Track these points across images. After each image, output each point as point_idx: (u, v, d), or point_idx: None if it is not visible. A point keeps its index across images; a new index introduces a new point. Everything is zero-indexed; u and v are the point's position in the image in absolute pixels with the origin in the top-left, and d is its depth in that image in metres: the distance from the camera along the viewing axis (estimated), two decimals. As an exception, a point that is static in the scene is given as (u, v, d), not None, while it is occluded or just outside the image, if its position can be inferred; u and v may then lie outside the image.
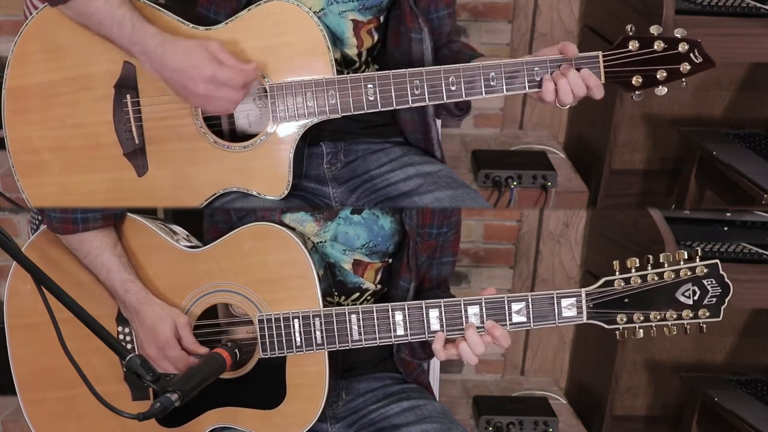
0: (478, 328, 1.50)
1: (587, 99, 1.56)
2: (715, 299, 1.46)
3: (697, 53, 1.52)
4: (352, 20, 1.63)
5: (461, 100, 1.56)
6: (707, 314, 1.47)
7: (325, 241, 1.61)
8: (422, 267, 1.68)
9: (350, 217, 1.62)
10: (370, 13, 1.65)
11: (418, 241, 1.64)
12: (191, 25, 1.56)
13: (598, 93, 1.53)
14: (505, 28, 2.83)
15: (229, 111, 1.55)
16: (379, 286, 1.66)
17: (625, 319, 1.48)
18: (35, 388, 1.62)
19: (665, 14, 2.32)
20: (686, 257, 1.46)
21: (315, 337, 1.52)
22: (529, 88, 1.55)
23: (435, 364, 2.24)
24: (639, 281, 1.46)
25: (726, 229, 2.46)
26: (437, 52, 1.71)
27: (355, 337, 1.52)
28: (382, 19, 1.68)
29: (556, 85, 1.52)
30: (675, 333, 1.47)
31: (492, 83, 1.55)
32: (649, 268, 1.47)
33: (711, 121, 2.84)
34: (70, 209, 1.54)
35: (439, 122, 2.28)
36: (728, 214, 2.49)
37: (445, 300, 1.51)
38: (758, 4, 2.41)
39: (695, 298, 1.46)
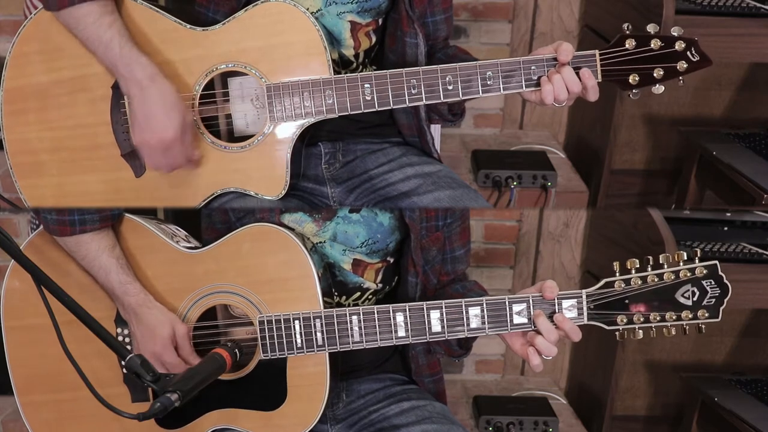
0: (524, 324, 1.49)
1: (586, 99, 1.56)
2: (714, 300, 1.47)
3: (693, 51, 1.52)
4: (350, 21, 1.63)
5: (458, 100, 1.56)
6: (706, 315, 1.47)
7: (324, 242, 1.61)
8: (435, 262, 1.67)
9: (349, 215, 1.61)
10: (369, 15, 1.65)
11: (424, 235, 1.64)
12: (188, 25, 1.56)
13: (594, 94, 1.53)
14: (505, 28, 2.83)
15: (171, 168, 1.56)
16: (380, 285, 1.66)
17: (625, 320, 1.47)
18: (33, 390, 1.61)
19: (665, 14, 2.32)
20: (685, 258, 1.46)
21: (316, 339, 1.51)
22: (526, 86, 1.55)
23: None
24: (639, 282, 1.46)
25: (726, 229, 2.46)
26: (432, 56, 1.71)
27: (356, 338, 1.52)
28: (380, 21, 1.68)
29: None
30: (674, 334, 1.48)
31: (489, 82, 1.55)
32: (649, 269, 1.47)
33: (711, 121, 2.84)
34: (67, 211, 1.54)
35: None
36: (728, 214, 2.49)
37: (446, 301, 1.50)
38: (758, 4, 2.41)
39: (694, 299, 1.47)
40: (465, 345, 1.64)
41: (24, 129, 1.62)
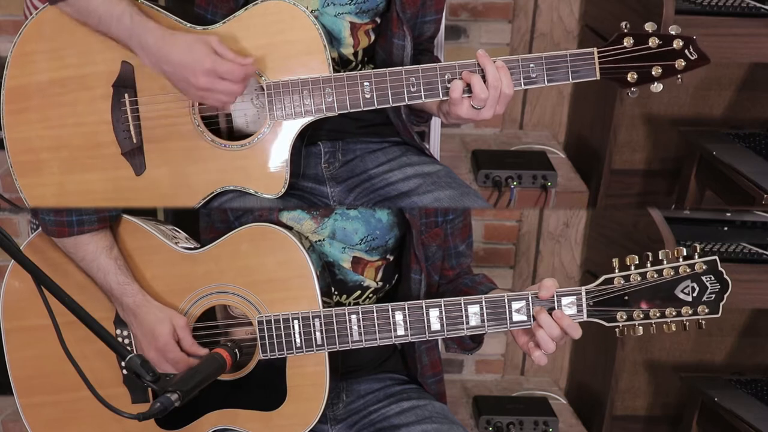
0: (524, 322, 1.49)
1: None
2: (714, 296, 1.46)
3: (692, 49, 1.53)
4: (349, 22, 1.63)
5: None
6: (706, 311, 1.47)
7: (323, 239, 1.61)
8: (435, 258, 1.67)
9: (346, 212, 1.61)
10: (367, 16, 1.65)
11: (424, 231, 1.64)
12: (188, 24, 1.56)
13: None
14: (505, 28, 2.83)
15: (227, 104, 1.56)
16: (380, 284, 1.66)
17: (624, 317, 1.47)
18: (33, 392, 1.61)
19: (665, 14, 2.32)
20: (685, 254, 1.46)
21: (315, 338, 1.51)
22: (524, 84, 1.55)
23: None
24: (638, 279, 1.46)
25: (726, 229, 2.46)
26: (419, 56, 1.70)
27: (356, 337, 1.52)
28: (378, 20, 1.68)
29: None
30: (674, 330, 1.47)
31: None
32: (649, 265, 1.46)
33: (711, 121, 2.84)
34: (65, 212, 1.54)
35: (438, 122, 2.28)
36: (728, 214, 2.49)
37: (445, 299, 1.50)
38: (758, 4, 2.41)
39: (694, 294, 1.46)
40: (477, 338, 1.64)
41: (25, 128, 1.62)
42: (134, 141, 1.59)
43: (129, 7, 1.52)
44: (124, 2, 1.52)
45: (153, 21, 1.52)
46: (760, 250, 2.38)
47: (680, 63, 1.53)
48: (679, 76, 1.54)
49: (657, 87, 1.55)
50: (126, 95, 1.57)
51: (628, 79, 1.54)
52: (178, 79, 1.52)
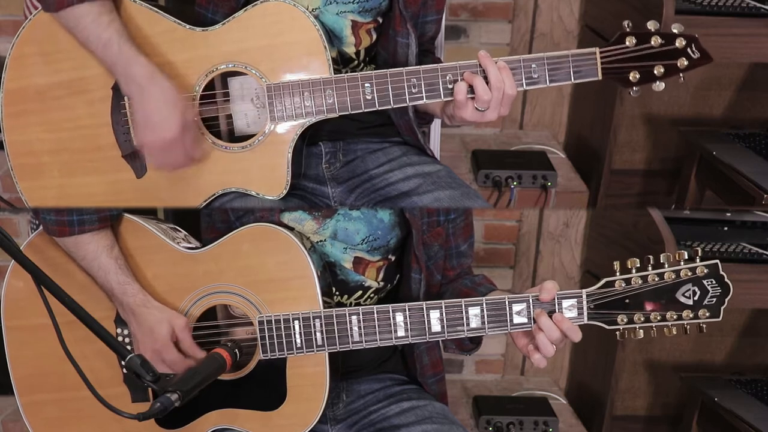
0: (524, 324, 1.49)
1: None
2: (715, 299, 1.46)
3: (694, 48, 1.52)
4: (351, 20, 1.63)
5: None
6: (707, 314, 1.47)
7: (325, 240, 1.61)
8: (437, 258, 1.67)
9: (348, 212, 1.62)
10: (369, 15, 1.65)
11: (426, 231, 1.64)
12: (188, 26, 1.56)
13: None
14: (505, 28, 2.84)
15: (173, 168, 1.56)
16: (382, 284, 1.66)
17: (625, 320, 1.47)
18: (34, 390, 1.62)
19: (665, 14, 2.33)
20: (686, 257, 1.46)
21: (315, 339, 1.52)
22: (526, 85, 1.54)
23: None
24: (639, 282, 1.46)
25: (726, 229, 2.46)
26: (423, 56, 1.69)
27: (356, 338, 1.52)
28: (381, 20, 1.68)
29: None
30: (675, 333, 1.47)
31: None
32: (650, 268, 1.46)
33: (711, 121, 2.84)
34: (66, 211, 1.54)
35: (438, 122, 2.28)
36: (728, 214, 2.49)
37: (446, 301, 1.50)
38: (758, 4, 2.41)
39: (695, 298, 1.46)
40: (475, 339, 1.64)
41: (25, 130, 1.62)
42: (134, 143, 1.59)
43: (117, 35, 1.50)
44: (113, 28, 1.51)
45: (143, 55, 1.51)
46: (760, 250, 2.38)
47: (683, 62, 1.52)
48: (681, 74, 1.54)
49: (659, 86, 1.54)
50: (125, 97, 1.57)
51: (630, 78, 1.53)
52: (143, 120, 1.51)
